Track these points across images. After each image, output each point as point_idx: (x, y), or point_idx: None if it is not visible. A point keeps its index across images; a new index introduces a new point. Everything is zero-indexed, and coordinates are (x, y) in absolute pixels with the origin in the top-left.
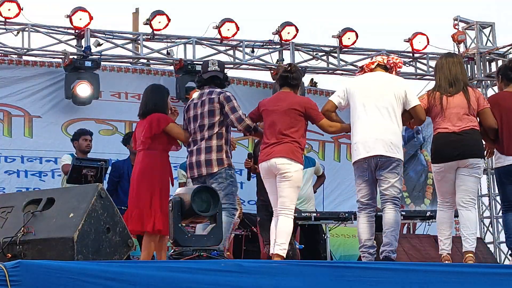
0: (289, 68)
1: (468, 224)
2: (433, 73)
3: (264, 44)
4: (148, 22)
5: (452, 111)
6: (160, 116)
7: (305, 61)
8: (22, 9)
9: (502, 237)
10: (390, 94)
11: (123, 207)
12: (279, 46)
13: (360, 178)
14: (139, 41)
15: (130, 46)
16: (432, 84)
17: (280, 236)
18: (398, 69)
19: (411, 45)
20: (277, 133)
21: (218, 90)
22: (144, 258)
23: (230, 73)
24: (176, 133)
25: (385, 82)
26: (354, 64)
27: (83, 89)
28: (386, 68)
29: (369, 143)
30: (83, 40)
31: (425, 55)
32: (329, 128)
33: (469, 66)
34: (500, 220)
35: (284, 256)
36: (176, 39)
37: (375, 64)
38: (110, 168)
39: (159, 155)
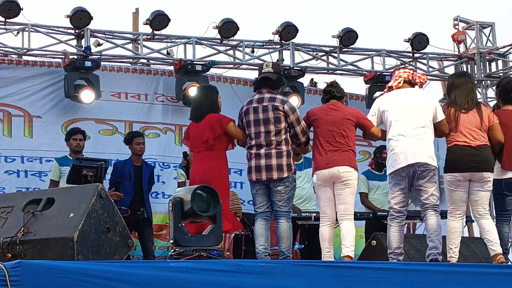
0: (330, 83)
1: (491, 231)
2: (433, 73)
3: (264, 44)
4: (148, 22)
5: (467, 127)
6: (220, 116)
7: (305, 61)
8: (22, 9)
9: None
10: (422, 109)
11: (124, 207)
12: (279, 46)
13: (396, 185)
14: (139, 41)
15: (130, 46)
16: (433, 84)
17: (348, 239)
18: (419, 80)
19: (411, 45)
20: (334, 142)
21: (280, 97)
22: None
23: (230, 73)
24: (235, 132)
25: (416, 98)
26: (354, 64)
27: (87, 96)
28: (411, 83)
29: (408, 153)
30: (83, 40)
31: (425, 55)
32: (378, 133)
33: (469, 66)
34: None
35: (353, 257)
36: (176, 39)
37: (402, 81)
38: (111, 168)
39: (222, 154)
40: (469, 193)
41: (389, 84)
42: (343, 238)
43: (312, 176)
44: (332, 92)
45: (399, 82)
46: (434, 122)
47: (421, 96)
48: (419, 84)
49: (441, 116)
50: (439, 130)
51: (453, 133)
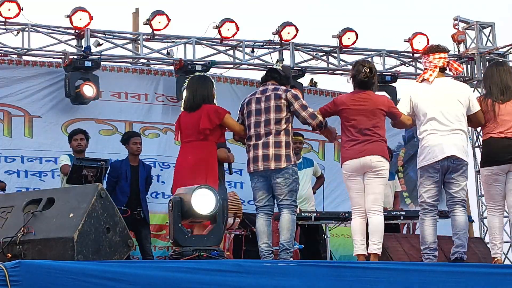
0: (369, 73)
1: None
2: None
3: (264, 44)
4: (148, 22)
5: (504, 118)
6: (217, 107)
7: (305, 61)
8: (22, 9)
9: None
10: (456, 101)
11: (121, 207)
12: (279, 46)
13: (429, 179)
14: (139, 41)
15: (130, 46)
16: None
17: (377, 235)
18: (456, 71)
19: (411, 45)
20: (365, 131)
21: (284, 87)
22: None
23: (230, 73)
24: (232, 124)
25: (450, 89)
26: None
27: (89, 89)
28: (444, 69)
29: (443, 146)
30: (83, 40)
31: None
32: (407, 121)
33: (469, 66)
34: None
35: (381, 254)
36: (176, 39)
37: (437, 72)
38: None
39: (213, 146)
40: (506, 182)
41: (425, 76)
42: (371, 233)
43: (341, 166)
44: (368, 84)
45: (433, 75)
46: (469, 114)
47: (455, 88)
48: (454, 74)
49: (476, 108)
50: (474, 121)
51: (489, 125)
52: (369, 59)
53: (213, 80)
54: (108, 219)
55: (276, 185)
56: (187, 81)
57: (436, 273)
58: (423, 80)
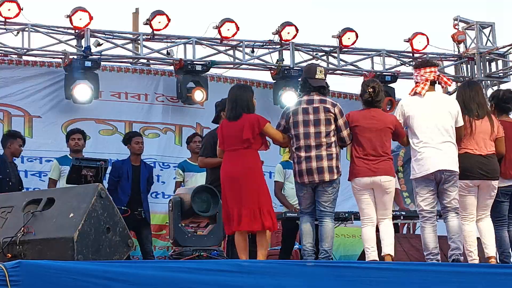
0: (372, 93)
1: (487, 234)
2: None
3: (264, 44)
4: (148, 22)
5: (480, 135)
6: (258, 117)
7: (305, 61)
8: (22, 9)
9: None
10: (446, 114)
11: (121, 207)
12: (279, 46)
13: (425, 188)
14: (139, 41)
15: (130, 46)
16: None
17: (387, 238)
18: (445, 85)
19: (411, 45)
20: (375, 149)
21: (330, 100)
22: (264, 257)
23: (230, 73)
24: (273, 133)
25: (441, 103)
26: (354, 64)
27: (81, 92)
28: (434, 82)
29: (435, 159)
30: (83, 40)
31: (425, 55)
32: (406, 141)
33: (469, 66)
34: None
35: (393, 254)
36: (176, 39)
37: (428, 85)
38: (110, 167)
39: (257, 154)
40: (478, 198)
41: (417, 89)
42: (382, 237)
43: (350, 180)
44: (373, 102)
45: (425, 89)
46: (455, 127)
47: (446, 102)
48: (443, 87)
49: (460, 122)
50: (457, 135)
51: (465, 140)
52: (369, 59)
53: (253, 89)
54: (108, 219)
55: (324, 193)
56: (228, 91)
57: (436, 273)
58: (415, 93)
